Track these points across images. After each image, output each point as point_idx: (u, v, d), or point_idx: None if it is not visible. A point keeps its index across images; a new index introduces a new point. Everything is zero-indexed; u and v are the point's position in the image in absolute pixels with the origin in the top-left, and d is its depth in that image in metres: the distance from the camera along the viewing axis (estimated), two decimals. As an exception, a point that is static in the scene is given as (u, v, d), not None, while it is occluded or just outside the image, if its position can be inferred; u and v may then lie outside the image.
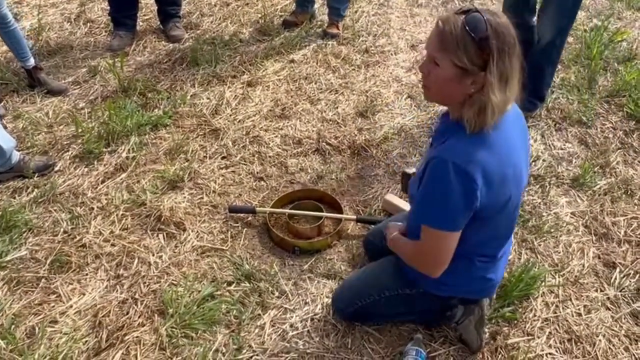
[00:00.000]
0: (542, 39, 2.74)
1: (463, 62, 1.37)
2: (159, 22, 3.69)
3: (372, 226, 2.31)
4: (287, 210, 2.38)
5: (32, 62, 3.04)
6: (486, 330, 1.85)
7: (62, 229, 2.32)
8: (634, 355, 1.90)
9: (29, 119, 2.89)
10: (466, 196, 1.44)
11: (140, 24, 3.72)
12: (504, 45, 1.35)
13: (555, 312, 2.02)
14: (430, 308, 1.86)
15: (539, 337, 1.94)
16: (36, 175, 2.55)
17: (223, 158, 2.71)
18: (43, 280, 2.12)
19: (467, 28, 1.35)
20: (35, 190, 2.50)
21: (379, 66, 3.37)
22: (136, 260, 2.20)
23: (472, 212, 1.49)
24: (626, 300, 2.08)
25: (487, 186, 1.45)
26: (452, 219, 1.50)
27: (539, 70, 2.83)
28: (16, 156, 2.53)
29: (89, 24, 3.73)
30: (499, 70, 1.36)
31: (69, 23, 3.74)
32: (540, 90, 2.92)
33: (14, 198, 2.46)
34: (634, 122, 2.94)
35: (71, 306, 2.03)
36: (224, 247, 2.26)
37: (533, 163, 2.66)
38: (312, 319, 1.99)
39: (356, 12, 3.87)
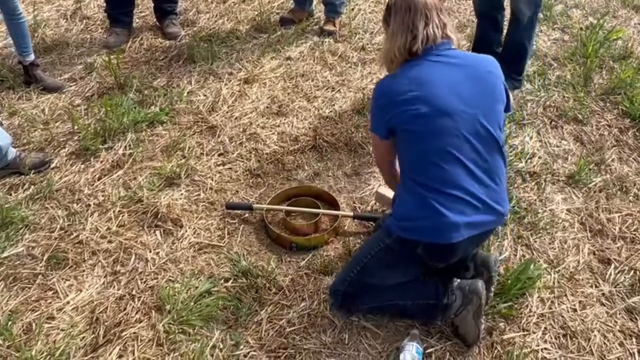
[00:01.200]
0: (523, 18, 2.84)
1: (385, 27, 1.94)
2: (155, 19, 3.68)
3: (371, 222, 2.33)
4: (284, 207, 2.39)
5: (32, 57, 3.04)
6: (483, 321, 1.86)
7: (58, 226, 2.31)
8: (629, 350, 1.92)
9: (25, 115, 2.89)
10: (375, 105, 1.91)
11: (137, 20, 3.71)
12: (394, 7, 1.87)
13: (551, 308, 2.04)
14: (408, 266, 1.90)
15: (534, 333, 1.95)
16: (32, 172, 2.54)
17: (220, 155, 2.71)
18: (40, 276, 2.12)
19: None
20: (32, 187, 2.49)
21: (376, 63, 3.38)
22: (133, 257, 2.20)
23: (383, 118, 1.85)
24: (621, 296, 2.10)
25: (389, 99, 1.83)
26: (373, 123, 1.94)
27: (522, 48, 2.97)
28: (12, 153, 2.52)
29: (85, 21, 3.73)
30: (391, 26, 1.88)
31: (64, 20, 3.73)
32: (522, 67, 3.07)
33: (10, 195, 2.46)
34: (629, 120, 2.96)
35: (68, 302, 2.03)
36: (221, 244, 2.26)
37: (529, 160, 2.68)
38: (309, 315, 2.00)
39: (353, 9, 3.87)
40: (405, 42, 1.83)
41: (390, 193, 2.35)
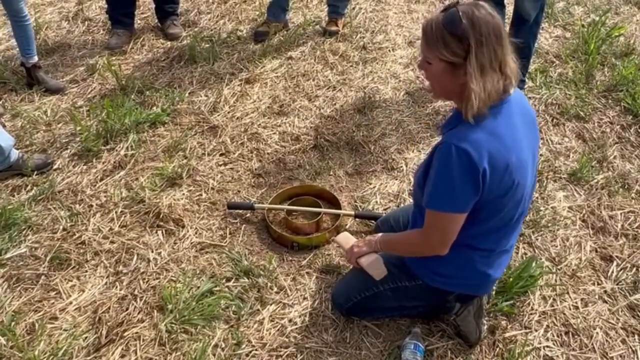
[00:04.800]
0: (529, 18, 2.84)
1: (446, 56, 1.47)
2: (156, 20, 3.69)
3: (373, 221, 2.33)
4: (285, 207, 2.39)
5: (35, 59, 3.05)
6: (484, 322, 1.86)
7: (61, 227, 2.32)
8: (631, 347, 1.91)
9: (28, 117, 2.90)
10: (471, 178, 1.49)
11: (138, 22, 3.72)
12: (480, 36, 1.43)
13: (553, 306, 2.03)
14: (428, 302, 1.88)
15: (536, 331, 1.95)
16: (35, 173, 2.55)
17: (221, 155, 2.72)
18: (43, 277, 2.13)
19: (444, 24, 1.46)
20: (34, 188, 2.50)
21: (377, 62, 3.38)
22: (135, 257, 2.20)
23: (478, 193, 1.52)
24: (623, 293, 2.09)
25: (491, 170, 1.49)
26: (458, 201, 1.54)
27: (527, 48, 2.96)
28: (15, 154, 2.54)
29: (86, 23, 3.74)
30: (478, 61, 1.44)
31: (66, 22, 3.74)
32: (527, 67, 3.06)
33: (13, 196, 2.47)
34: (631, 117, 2.95)
35: (71, 303, 2.04)
36: (222, 244, 2.27)
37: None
38: (310, 314, 2.00)
39: (354, 8, 3.87)
40: (497, 81, 1.47)
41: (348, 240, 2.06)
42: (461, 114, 1.53)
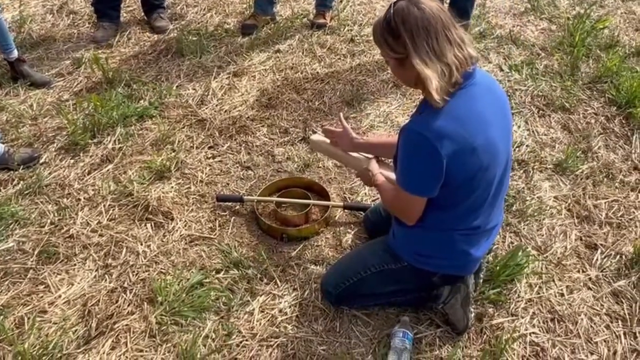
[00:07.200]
0: None
1: (391, 55, 1.57)
2: (143, 13, 3.67)
3: (362, 212, 2.34)
4: (274, 199, 2.40)
5: (15, 54, 3.01)
6: (472, 310, 1.89)
7: (49, 220, 2.31)
8: (615, 332, 1.95)
9: (13, 111, 2.87)
10: (432, 163, 1.55)
11: (124, 15, 3.69)
12: (411, 32, 1.50)
13: (539, 293, 2.07)
14: (414, 285, 1.90)
15: (523, 318, 1.98)
16: (21, 167, 2.54)
17: (210, 148, 2.72)
18: (31, 271, 2.12)
19: (382, 25, 1.56)
20: (21, 182, 2.49)
21: (365, 55, 3.39)
22: (124, 250, 2.20)
23: (441, 179, 1.59)
24: (607, 280, 2.13)
25: (455, 154, 1.54)
26: (420, 185, 1.64)
27: (464, 11, 3.32)
28: (0, 148, 2.52)
29: (71, 16, 3.70)
30: (418, 54, 1.50)
31: (51, 15, 3.70)
32: (467, 25, 3.36)
33: (0, 190, 2.45)
34: (615, 108, 2.99)
35: (60, 296, 2.03)
36: (212, 236, 2.27)
37: (517, 149, 2.70)
38: (300, 304, 2.01)
39: (342, 1, 3.87)
40: (442, 70, 1.51)
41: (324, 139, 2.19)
42: (426, 100, 1.58)
